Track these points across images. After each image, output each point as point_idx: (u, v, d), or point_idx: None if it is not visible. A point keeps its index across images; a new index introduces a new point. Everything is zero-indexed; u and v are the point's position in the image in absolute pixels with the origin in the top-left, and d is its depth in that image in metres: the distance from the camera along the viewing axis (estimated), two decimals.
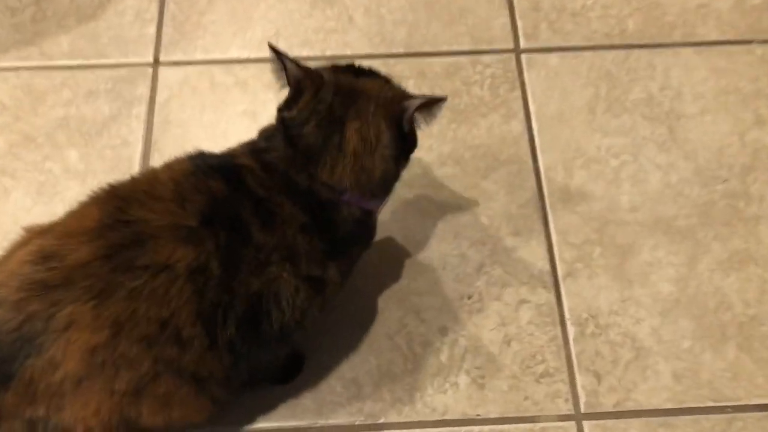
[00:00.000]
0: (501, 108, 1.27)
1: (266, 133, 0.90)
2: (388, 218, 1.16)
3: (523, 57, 1.32)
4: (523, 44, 1.33)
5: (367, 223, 0.93)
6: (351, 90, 0.87)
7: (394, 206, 1.18)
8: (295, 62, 0.87)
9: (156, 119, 1.26)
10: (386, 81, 0.93)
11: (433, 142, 1.23)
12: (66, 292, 0.71)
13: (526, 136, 1.24)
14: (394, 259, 1.14)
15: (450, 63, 1.31)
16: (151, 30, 1.35)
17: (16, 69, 1.31)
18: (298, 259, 0.84)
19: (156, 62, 1.31)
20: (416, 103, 0.86)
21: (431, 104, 0.86)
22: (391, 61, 1.31)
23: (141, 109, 1.27)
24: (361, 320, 1.10)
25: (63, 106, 1.27)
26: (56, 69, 1.31)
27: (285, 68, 0.87)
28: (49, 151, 1.23)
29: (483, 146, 1.23)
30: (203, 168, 0.83)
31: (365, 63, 1.31)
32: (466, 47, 1.33)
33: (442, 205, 1.18)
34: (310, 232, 0.85)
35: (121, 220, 0.76)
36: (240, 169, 0.85)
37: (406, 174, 1.20)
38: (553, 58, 1.31)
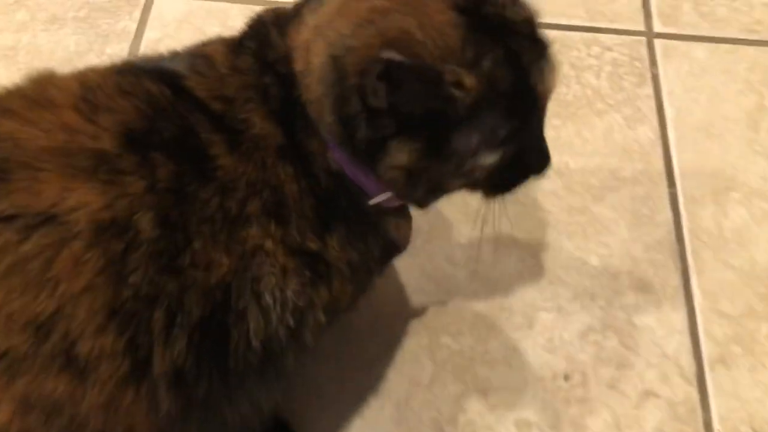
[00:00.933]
0: (625, 107, 0.90)
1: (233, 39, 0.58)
2: (450, 246, 0.79)
3: (657, 43, 0.95)
4: (657, 27, 0.96)
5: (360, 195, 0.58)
6: None
7: (460, 232, 0.80)
8: None
9: None
10: None
11: None
12: None
13: (659, 150, 0.86)
14: (456, 308, 0.76)
15: (557, 38, 0.94)
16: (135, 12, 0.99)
17: None
18: (286, 214, 0.53)
19: None
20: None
21: None
22: None
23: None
24: (397, 392, 0.71)
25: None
26: None
27: None
28: None
29: (597, 156, 0.86)
30: (136, 70, 0.53)
31: None
32: (577, 21, 0.96)
33: (534, 234, 0.80)
34: (302, 181, 0.53)
35: None
36: (195, 62, 0.55)
37: None
38: (700, 50, 0.95)
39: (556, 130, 0.88)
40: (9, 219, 0.46)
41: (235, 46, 0.55)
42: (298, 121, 0.53)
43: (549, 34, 0.82)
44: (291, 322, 0.53)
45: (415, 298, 0.77)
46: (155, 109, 0.51)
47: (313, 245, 0.54)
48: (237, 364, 0.52)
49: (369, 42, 0.49)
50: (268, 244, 0.52)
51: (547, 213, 0.82)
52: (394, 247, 0.61)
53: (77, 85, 0.52)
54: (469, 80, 0.49)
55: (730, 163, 0.87)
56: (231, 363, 0.52)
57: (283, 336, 0.53)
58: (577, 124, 0.89)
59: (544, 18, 0.99)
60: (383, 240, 0.60)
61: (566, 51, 0.94)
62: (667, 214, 0.83)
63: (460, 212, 0.81)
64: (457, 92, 0.49)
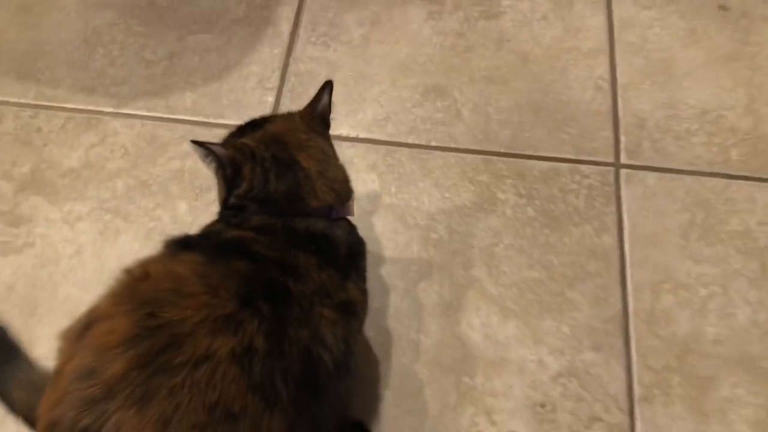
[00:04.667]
0: (594, 220, 1.29)
1: (222, 220, 0.96)
2: (472, 314, 1.19)
3: (623, 172, 1.34)
4: (623, 159, 1.36)
5: (354, 232, 1.01)
6: (273, 135, 0.96)
7: (477, 302, 1.20)
8: (218, 144, 0.94)
9: None
10: (287, 114, 1.02)
11: (524, 243, 1.26)
12: (109, 404, 0.75)
13: (617, 253, 1.25)
14: (473, 356, 1.16)
15: (549, 168, 1.34)
16: (270, 98, 1.43)
17: (142, 118, 1.41)
18: (329, 292, 0.89)
19: None
20: (324, 100, 1.00)
21: (329, 94, 1.00)
22: (493, 158, 1.36)
23: None
24: (434, 413, 1.11)
25: (180, 159, 1.35)
26: (178, 122, 1.40)
27: (213, 153, 0.92)
28: (161, 200, 1.31)
29: (572, 255, 1.25)
30: (211, 252, 0.87)
31: (468, 158, 1.36)
32: (567, 155, 1.36)
33: (526, 308, 1.20)
34: (325, 267, 0.90)
35: (152, 327, 0.78)
36: (243, 241, 0.90)
37: (496, 271, 1.24)
38: (652, 178, 1.33)
39: (545, 236, 1.28)
40: (183, 364, 0.76)
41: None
42: (316, 240, 0.92)
43: (545, 165, 1.27)
44: (344, 347, 0.89)
45: (448, 351, 1.17)
46: (248, 276, 0.84)
47: (343, 295, 0.91)
48: (324, 379, 0.87)
49: None
50: (326, 311, 0.87)
51: (535, 295, 1.22)
52: (364, 245, 1.02)
53: (197, 278, 0.82)
54: None
55: (666, 263, 1.24)
56: (320, 381, 0.86)
57: (342, 356, 0.88)
58: (560, 232, 1.28)
59: (542, 152, 1.42)
60: (363, 249, 1.01)
61: (557, 177, 1.34)
62: (618, 298, 1.21)
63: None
64: None
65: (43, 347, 1.07)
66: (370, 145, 1.37)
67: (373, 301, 1.18)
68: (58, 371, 0.83)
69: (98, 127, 1.40)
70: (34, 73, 1.47)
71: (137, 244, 1.26)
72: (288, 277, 0.87)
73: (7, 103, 1.42)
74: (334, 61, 1.48)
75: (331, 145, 1.02)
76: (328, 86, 1.00)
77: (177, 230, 1.27)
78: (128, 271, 0.88)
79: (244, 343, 0.79)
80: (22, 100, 1.43)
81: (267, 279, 0.86)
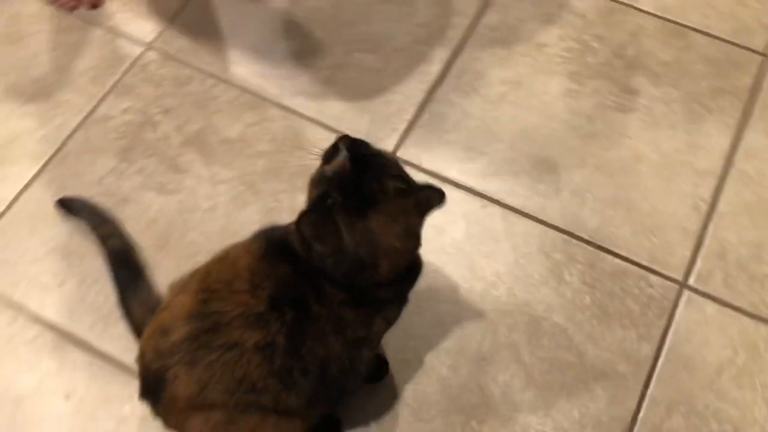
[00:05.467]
0: (642, 327, 1.40)
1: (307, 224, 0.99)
2: (499, 371, 1.36)
3: (686, 293, 1.44)
4: (691, 281, 1.45)
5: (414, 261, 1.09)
6: (367, 233, 0.97)
7: (509, 363, 1.37)
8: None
9: None
10: (398, 192, 0.99)
11: (570, 326, 1.40)
12: (170, 359, 1.01)
13: (649, 363, 1.37)
14: (487, 406, 1.33)
15: (620, 267, 1.46)
16: (401, 128, 1.64)
17: (295, 113, 1.66)
18: (345, 329, 1.03)
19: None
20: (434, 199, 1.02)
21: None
22: (573, 241, 1.49)
23: None
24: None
25: (312, 160, 1.59)
26: (322, 126, 1.64)
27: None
28: (287, 187, 1.57)
29: (609, 352, 1.38)
30: (270, 250, 1.03)
31: (550, 233, 1.50)
32: (641, 260, 1.47)
33: (549, 382, 1.35)
34: (351, 306, 1.02)
35: (204, 313, 1.00)
36: (291, 241, 1.02)
37: (536, 342, 1.38)
38: (712, 308, 1.42)
39: (592, 326, 1.41)
40: (218, 346, 0.99)
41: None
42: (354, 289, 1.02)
43: (617, 263, 1.39)
44: (354, 365, 1.08)
45: (461, 393, 1.36)
46: (283, 283, 1.00)
47: (362, 332, 1.06)
48: (339, 376, 1.07)
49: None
50: (336, 344, 1.03)
51: (562, 375, 1.36)
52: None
53: (248, 275, 1.00)
54: None
55: (690, 390, 1.34)
56: (335, 378, 1.06)
57: (353, 368, 1.08)
58: (605, 327, 1.40)
59: (620, 249, 1.53)
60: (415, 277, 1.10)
61: (624, 278, 1.45)
62: (633, 404, 1.33)
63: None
64: None
65: (162, 277, 1.36)
66: (470, 194, 1.54)
67: (420, 330, 1.38)
68: (159, 312, 1.11)
69: (259, 109, 1.67)
70: (223, 50, 1.76)
71: (258, 216, 1.53)
72: (312, 298, 1.00)
73: (198, 69, 1.73)
74: (467, 110, 1.65)
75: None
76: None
77: (290, 218, 1.52)
78: (226, 248, 1.12)
79: (268, 339, 0.98)
80: (210, 69, 1.73)
81: (296, 291, 1.01)
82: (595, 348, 1.38)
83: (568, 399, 1.34)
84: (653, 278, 1.45)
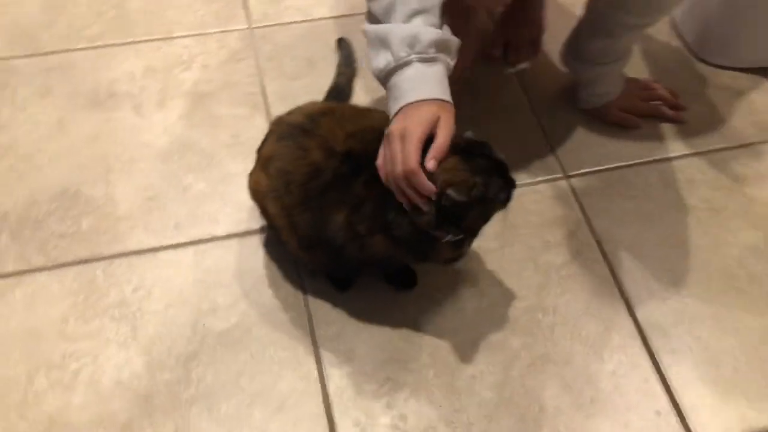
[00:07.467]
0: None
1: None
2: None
3: None
4: None
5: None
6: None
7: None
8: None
9: None
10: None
11: None
12: (275, 127, 1.18)
13: None
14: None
15: None
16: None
17: None
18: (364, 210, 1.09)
19: None
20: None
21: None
22: None
23: None
24: None
25: None
26: None
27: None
28: None
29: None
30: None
31: None
32: None
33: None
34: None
35: (313, 123, 1.12)
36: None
37: None
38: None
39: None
40: (304, 148, 1.10)
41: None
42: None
43: None
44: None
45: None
46: (359, 155, 1.07)
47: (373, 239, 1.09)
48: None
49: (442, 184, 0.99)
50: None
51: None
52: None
53: (343, 135, 1.09)
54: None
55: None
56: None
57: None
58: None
59: None
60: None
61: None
62: None
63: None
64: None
65: None
66: None
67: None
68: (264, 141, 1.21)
69: None
70: None
71: None
72: (351, 169, 1.08)
73: None
74: None
75: None
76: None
77: None
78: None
79: (342, 170, 1.08)
80: None
81: (362, 163, 1.07)
82: None
83: None
84: None
